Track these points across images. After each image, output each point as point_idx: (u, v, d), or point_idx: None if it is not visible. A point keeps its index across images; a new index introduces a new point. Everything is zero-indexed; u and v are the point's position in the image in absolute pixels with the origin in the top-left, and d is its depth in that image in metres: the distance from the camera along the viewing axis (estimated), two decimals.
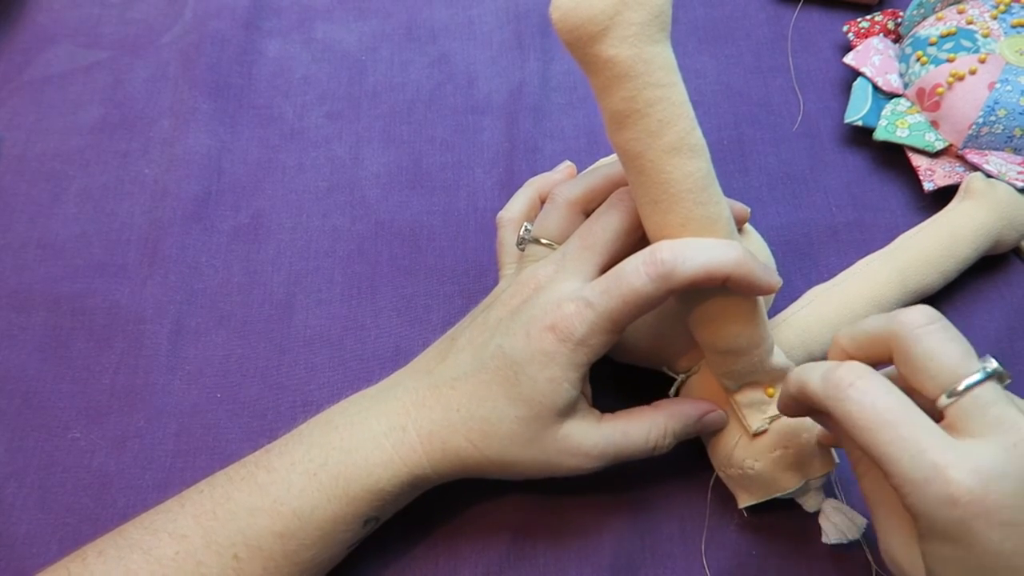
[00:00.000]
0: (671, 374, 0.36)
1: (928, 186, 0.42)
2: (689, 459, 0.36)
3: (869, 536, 0.32)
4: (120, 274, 0.43)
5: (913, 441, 0.24)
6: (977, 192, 0.40)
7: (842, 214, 0.45)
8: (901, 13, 0.49)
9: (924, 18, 0.48)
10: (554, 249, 0.34)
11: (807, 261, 0.43)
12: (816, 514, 0.34)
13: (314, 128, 0.48)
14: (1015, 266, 0.43)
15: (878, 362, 0.28)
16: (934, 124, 0.44)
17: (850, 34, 0.49)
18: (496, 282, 0.37)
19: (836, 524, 0.33)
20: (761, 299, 0.32)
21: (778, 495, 0.33)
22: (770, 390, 0.33)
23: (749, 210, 0.36)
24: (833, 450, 0.33)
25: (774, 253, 0.38)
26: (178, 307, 0.42)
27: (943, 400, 0.25)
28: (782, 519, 0.36)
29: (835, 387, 0.26)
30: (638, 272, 0.29)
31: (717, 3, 0.53)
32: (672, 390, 0.36)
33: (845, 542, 0.33)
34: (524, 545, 0.36)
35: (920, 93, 0.45)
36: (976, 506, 0.23)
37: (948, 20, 0.46)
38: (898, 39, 0.49)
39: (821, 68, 0.50)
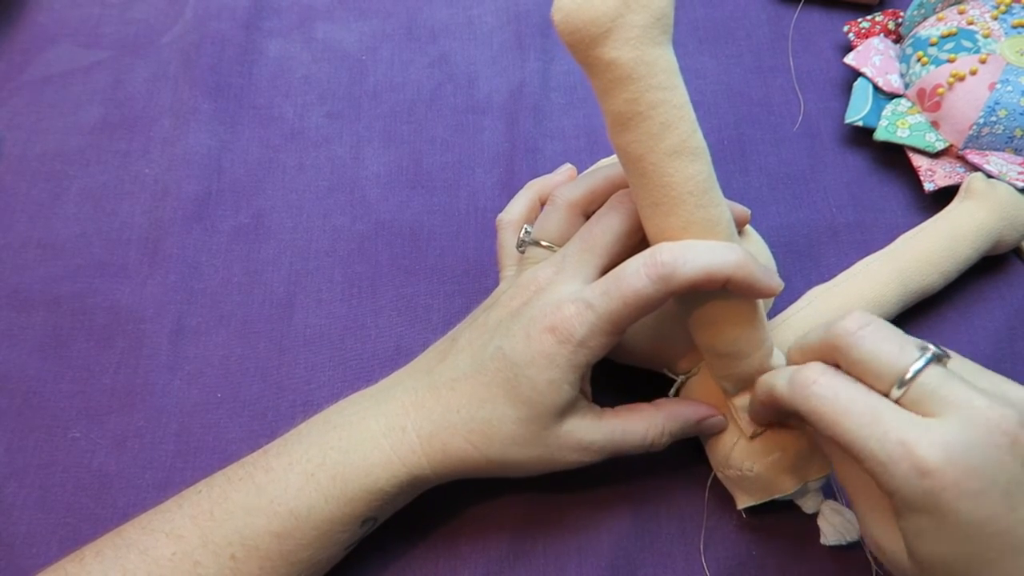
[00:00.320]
0: (671, 375, 0.36)
1: (929, 186, 0.42)
2: (688, 459, 0.37)
3: None
4: (120, 274, 0.43)
5: (878, 424, 0.25)
6: (978, 192, 0.40)
7: (842, 214, 0.45)
8: (902, 13, 0.49)
9: (925, 18, 0.48)
10: (554, 251, 0.34)
11: (807, 261, 0.43)
12: (815, 515, 0.34)
13: (314, 128, 0.48)
14: (1015, 266, 0.43)
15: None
16: (935, 124, 0.44)
17: (851, 34, 0.49)
18: (496, 282, 0.37)
19: (835, 525, 0.34)
20: (761, 302, 0.32)
21: (777, 497, 0.33)
22: (759, 379, 0.33)
23: (750, 212, 0.36)
24: None
25: (774, 253, 0.38)
26: (178, 307, 0.42)
27: (895, 393, 0.26)
28: (781, 519, 0.36)
29: (800, 386, 0.27)
30: (639, 274, 0.29)
31: (717, 3, 0.53)
32: (671, 392, 0.36)
33: (844, 543, 0.33)
34: (524, 545, 0.36)
35: (921, 93, 0.45)
36: (945, 477, 0.24)
37: (949, 20, 0.46)
38: (899, 39, 0.49)
39: (821, 68, 0.50)
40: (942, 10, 0.47)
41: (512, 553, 0.36)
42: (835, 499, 0.34)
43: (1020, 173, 0.42)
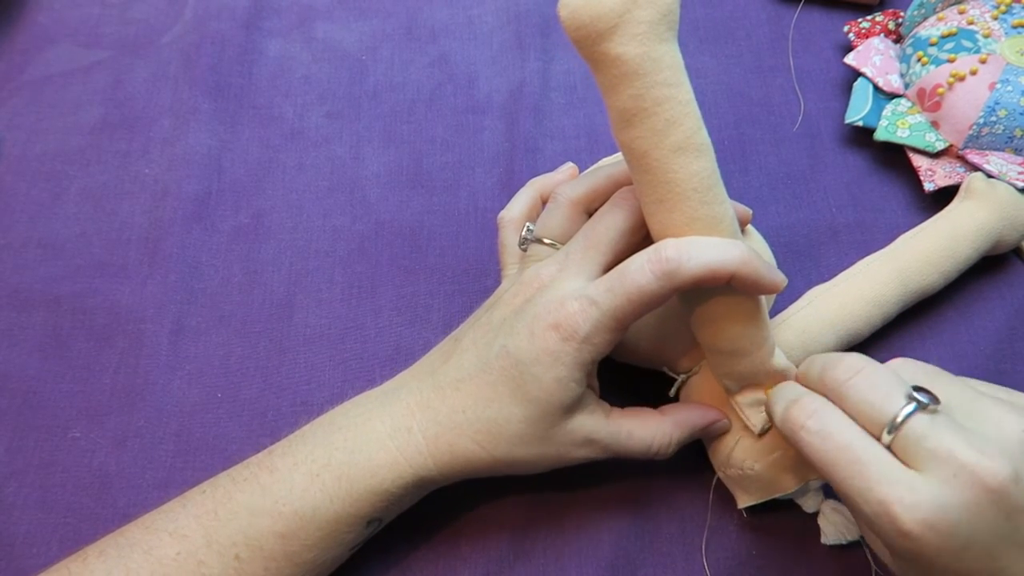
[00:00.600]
0: (671, 374, 0.35)
1: (929, 186, 0.42)
2: (690, 459, 0.36)
3: None
4: (120, 274, 0.43)
5: (862, 479, 0.26)
6: (978, 192, 0.40)
7: (842, 214, 0.45)
8: (902, 13, 0.49)
9: (925, 18, 0.48)
10: (557, 249, 0.34)
11: (807, 261, 0.43)
12: (815, 514, 0.34)
13: (314, 128, 0.48)
14: (1015, 266, 0.43)
15: None
16: (935, 124, 0.44)
17: (851, 34, 0.49)
18: (497, 282, 0.37)
19: (835, 525, 0.34)
20: (763, 300, 0.32)
21: (777, 496, 0.33)
22: (770, 390, 0.33)
23: (751, 212, 0.36)
24: None
25: (774, 253, 0.38)
26: (178, 307, 0.42)
27: (885, 438, 0.26)
28: (782, 519, 0.36)
29: (791, 423, 0.28)
30: (643, 270, 0.29)
31: (717, 3, 0.53)
32: (672, 390, 0.36)
33: (844, 543, 0.33)
34: (524, 545, 0.36)
35: (921, 93, 0.45)
36: (923, 540, 0.24)
37: (949, 20, 0.46)
38: (899, 39, 0.49)
39: (822, 68, 0.50)
40: (942, 10, 0.47)
41: (512, 553, 0.36)
42: (835, 498, 0.34)
43: (1020, 173, 0.42)
